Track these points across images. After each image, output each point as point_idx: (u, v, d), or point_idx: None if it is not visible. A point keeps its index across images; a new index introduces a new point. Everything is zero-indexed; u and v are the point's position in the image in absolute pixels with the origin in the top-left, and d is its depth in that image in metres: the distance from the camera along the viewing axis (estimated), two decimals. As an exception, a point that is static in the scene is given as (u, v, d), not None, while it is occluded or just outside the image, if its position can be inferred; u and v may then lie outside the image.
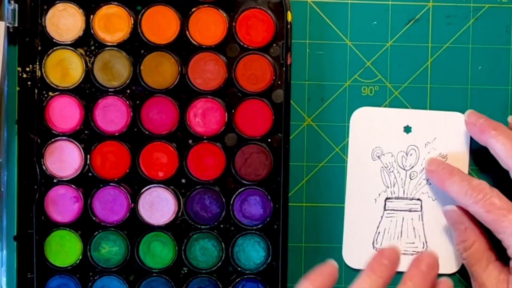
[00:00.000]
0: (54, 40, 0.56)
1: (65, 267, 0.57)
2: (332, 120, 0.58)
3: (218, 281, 0.57)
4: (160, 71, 0.56)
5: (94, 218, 0.56)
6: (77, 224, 0.56)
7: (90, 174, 0.56)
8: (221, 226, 0.57)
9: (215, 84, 0.56)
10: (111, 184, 0.56)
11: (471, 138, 0.58)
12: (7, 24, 0.55)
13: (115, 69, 0.56)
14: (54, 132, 0.56)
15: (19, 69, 0.55)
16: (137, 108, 0.56)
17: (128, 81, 0.56)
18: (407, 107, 0.58)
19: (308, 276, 0.49)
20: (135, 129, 0.56)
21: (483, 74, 0.58)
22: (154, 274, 0.57)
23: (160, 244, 0.57)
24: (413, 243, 0.58)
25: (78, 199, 0.56)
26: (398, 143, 0.58)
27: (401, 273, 0.58)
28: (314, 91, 0.58)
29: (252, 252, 0.57)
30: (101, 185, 0.56)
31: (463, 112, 0.58)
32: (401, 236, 0.58)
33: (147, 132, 0.56)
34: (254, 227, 0.57)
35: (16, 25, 0.55)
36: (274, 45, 0.56)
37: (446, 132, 0.58)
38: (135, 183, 0.56)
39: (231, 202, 0.56)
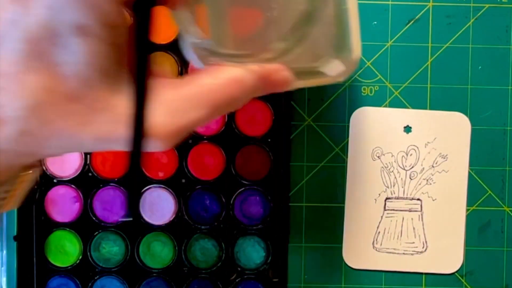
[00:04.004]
0: (54, 40, 0.55)
1: (65, 267, 0.57)
2: (332, 120, 0.58)
3: (218, 281, 0.57)
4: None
5: (94, 218, 0.56)
6: (77, 224, 0.56)
7: (90, 174, 0.56)
8: (221, 226, 0.57)
9: (215, 84, 0.56)
10: (111, 184, 0.56)
11: (471, 138, 0.58)
12: (7, 24, 0.55)
13: (115, 69, 0.56)
14: (54, 132, 0.56)
15: (19, 69, 0.55)
16: (137, 108, 0.56)
17: (128, 81, 0.56)
18: (407, 107, 0.58)
19: None
20: (135, 129, 0.56)
21: (483, 74, 0.58)
22: (154, 274, 0.57)
23: (160, 244, 0.57)
24: (413, 243, 0.58)
25: (78, 199, 0.56)
26: (398, 143, 0.58)
27: (401, 273, 0.58)
28: (314, 91, 0.58)
29: (252, 252, 0.57)
30: (101, 185, 0.56)
31: (463, 112, 0.58)
32: (401, 236, 0.58)
33: (147, 132, 0.56)
34: (254, 227, 0.57)
35: (16, 25, 0.55)
36: (274, 45, 0.56)
37: (446, 132, 0.58)
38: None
39: (231, 202, 0.56)
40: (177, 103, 0.33)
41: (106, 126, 0.32)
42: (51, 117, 0.31)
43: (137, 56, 0.32)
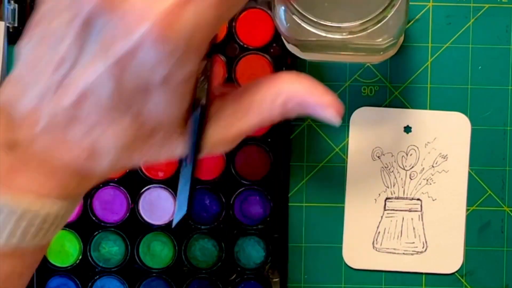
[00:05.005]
0: (54, 40, 0.55)
1: (65, 267, 0.57)
2: (332, 120, 0.58)
3: (218, 281, 0.57)
4: (160, 71, 0.56)
5: (94, 218, 0.56)
6: (77, 224, 0.56)
7: (90, 174, 0.56)
8: (221, 226, 0.57)
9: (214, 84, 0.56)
10: (111, 184, 0.56)
11: (471, 138, 0.58)
12: (7, 24, 0.55)
13: (115, 69, 0.56)
14: (54, 132, 0.56)
15: (19, 69, 0.55)
16: (137, 108, 0.56)
17: (128, 81, 0.56)
18: (407, 107, 0.58)
19: None
20: (135, 129, 0.56)
21: (483, 74, 0.58)
22: (154, 274, 0.57)
23: (160, 244, 0.57)
24: (413, 243, 0.58)
25: (78, 199, 0.56)
26: (398, 143, 0.58)
27: (401, 273, 0.58)
28: (314, 91, 0.58)
29: (252, 252, 0.57)
30: (101, 185, 0.56)
31: (463, 112, 0.58)
32: (401, 236, 0.58)
33: (147, 132, 0.56)
34: (254, 227, 0.57)
35: (16, 25, 0.55)
36: (274, 45, 0.56)
37: (446, 132, 0.58)
38: (135, 183, 0.56)
39: (231, 202, 0.56)
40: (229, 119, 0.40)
41: (181, 149, 0.39)
42: (134, 150, 0.38)
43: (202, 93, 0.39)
